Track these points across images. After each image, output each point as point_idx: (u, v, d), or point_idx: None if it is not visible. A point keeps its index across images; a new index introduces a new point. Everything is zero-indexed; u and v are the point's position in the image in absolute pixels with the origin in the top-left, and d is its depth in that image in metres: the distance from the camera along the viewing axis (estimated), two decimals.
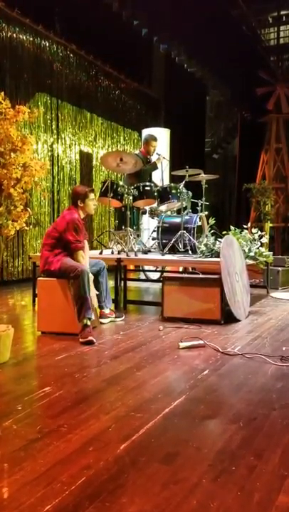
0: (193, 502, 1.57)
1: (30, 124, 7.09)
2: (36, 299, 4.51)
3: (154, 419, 2.23)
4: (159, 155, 6.40)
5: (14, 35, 7.02)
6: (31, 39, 7.34)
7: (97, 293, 4.32)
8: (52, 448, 1.95)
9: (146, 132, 7.99)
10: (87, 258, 4.21)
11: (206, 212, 5.99)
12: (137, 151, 6.61)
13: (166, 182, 6.44)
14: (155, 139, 6.45)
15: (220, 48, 8.86)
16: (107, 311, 4.44)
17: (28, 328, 4.31)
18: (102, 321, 4.39)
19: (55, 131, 7.90)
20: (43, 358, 3.32)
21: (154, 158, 6.50)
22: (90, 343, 3.62)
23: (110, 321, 4.44)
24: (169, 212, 6.06)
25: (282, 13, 12.49)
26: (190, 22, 7.72)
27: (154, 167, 6.41)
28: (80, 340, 3.66)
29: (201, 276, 4.57)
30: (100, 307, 4.40)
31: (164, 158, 6.49)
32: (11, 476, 1.73)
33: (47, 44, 7.67)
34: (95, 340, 3.65)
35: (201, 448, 1.95)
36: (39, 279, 4.16)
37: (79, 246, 4.01)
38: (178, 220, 5.58)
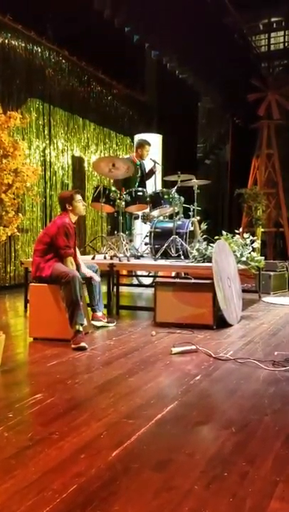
0: (185, 509, 1.56)
1: (22, 129, 7.08)
2: (28, 304, 4.49)
3: (146, 425, 2.22)
4: (153, 161, 6.41)
5: (6, 41, 7.03)
6: (23, 45, 7.35)
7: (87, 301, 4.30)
8: (43, 455, 1.93)
9: (138, 137, 8.01)
10: (81, 262, 4.21)
11: (198, 218, 6.01)
12: (126, 156, 6.57)
13: (159, 187, 6.45)
14: (149, 144, 6.47)
15: (211, 55, 8.92)
16: (99, 313, 4.44)
17: (19, 335, 4.28)
18: (94, 323, 4.38)
19: (47, 137, 7.90)
20: (35, 365, 3.30)
21: (146, 163, 6.51)
22: (82, 349, 3.60)
23: (102, 325, 4.43)
24: (161, 218, 6.08)
25: (273, 20, 12.62)
26: (182, 29, 7.77)
27: (151, 175, 6.43)
28: (72, 346, 3.64)
29: (193, 281, 4.58)
30: (93, 310, 4.41)
31: (157, 163, 6.51)
32: (2, 484, 1.71)
33: (39, 50, 7.68)
34: (87, 346, 3.64)
35: (193, 454, 1.95)
36: (31, 284, 4.14)
37: (68, 252, 4.00)
38: (170, 225, 5.59)
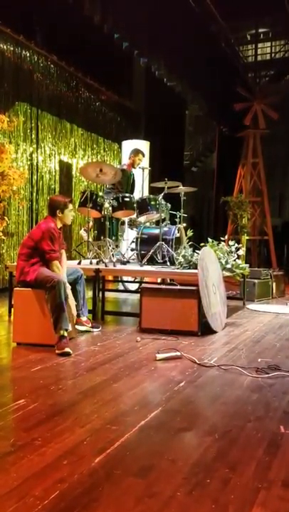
0: None
1: (9, 133, 7.05)
2: (12, 309, 4.45)
3: (129, 431, 2.22)
4: (143, 169, 6.47)
5: None
6: (12, 49, 7.34)
7: (76, 303, 4.30)
8: (25, 461, 1.91)
9: (128, 144, 8.04)
10: (64, 268, 4.19)
11: (184, 224, 6.05)
12: (123, 167, 6.61)
13: (146, 193, 6.48)
14: (143, 154, 6.58)
15: (199, 64, 9.02)
16: (84, 318, 4.44)
17: (3, 339, 4.24)
18: (78, 328, 4.37)
19: (34, 141, 7.88)
20: (18, 370, 3.27)
21: (135, 172, 6.55)
22: (67, 354, 3.58)
23: (86, 330, 4.42)
24: (147, 224, 6.09)
25: (260, 30, 12.82)
26: (170, 37, 7.84)
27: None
28: (57, 351, 3.62)
29: (178, 287, 4.59)
30: (77, 315, 4.40)
31: (148, 168, 6.57)
32: None
33: (27, 54, 7.68)
34: (71, 352, 3.62)
35: (176, 461, 1.95)
36: (15, 289, 4.11)
37: (53, 256, 3.99)
38: (156, 231, 5.61)
